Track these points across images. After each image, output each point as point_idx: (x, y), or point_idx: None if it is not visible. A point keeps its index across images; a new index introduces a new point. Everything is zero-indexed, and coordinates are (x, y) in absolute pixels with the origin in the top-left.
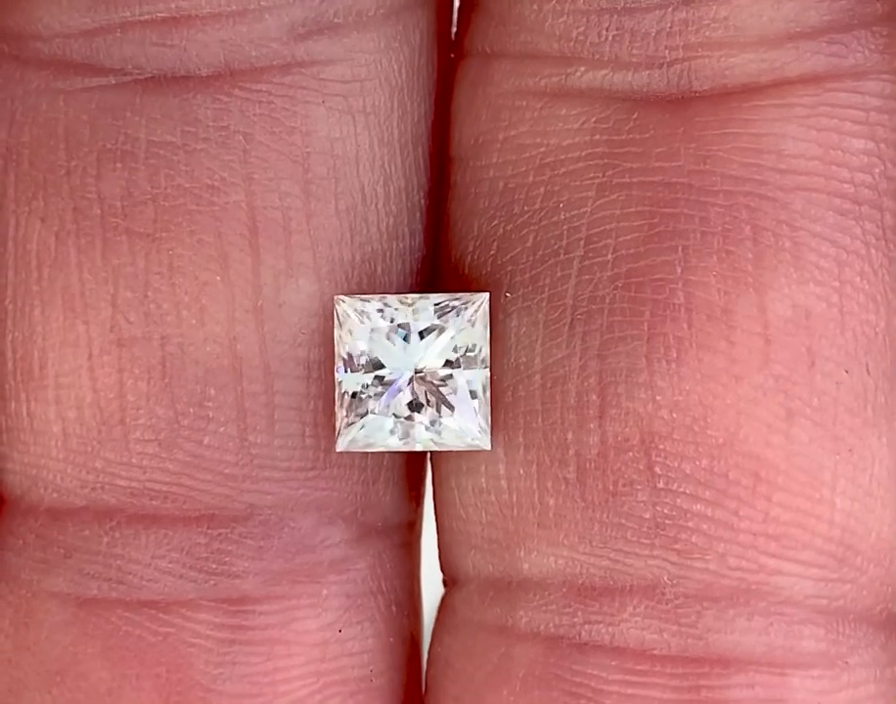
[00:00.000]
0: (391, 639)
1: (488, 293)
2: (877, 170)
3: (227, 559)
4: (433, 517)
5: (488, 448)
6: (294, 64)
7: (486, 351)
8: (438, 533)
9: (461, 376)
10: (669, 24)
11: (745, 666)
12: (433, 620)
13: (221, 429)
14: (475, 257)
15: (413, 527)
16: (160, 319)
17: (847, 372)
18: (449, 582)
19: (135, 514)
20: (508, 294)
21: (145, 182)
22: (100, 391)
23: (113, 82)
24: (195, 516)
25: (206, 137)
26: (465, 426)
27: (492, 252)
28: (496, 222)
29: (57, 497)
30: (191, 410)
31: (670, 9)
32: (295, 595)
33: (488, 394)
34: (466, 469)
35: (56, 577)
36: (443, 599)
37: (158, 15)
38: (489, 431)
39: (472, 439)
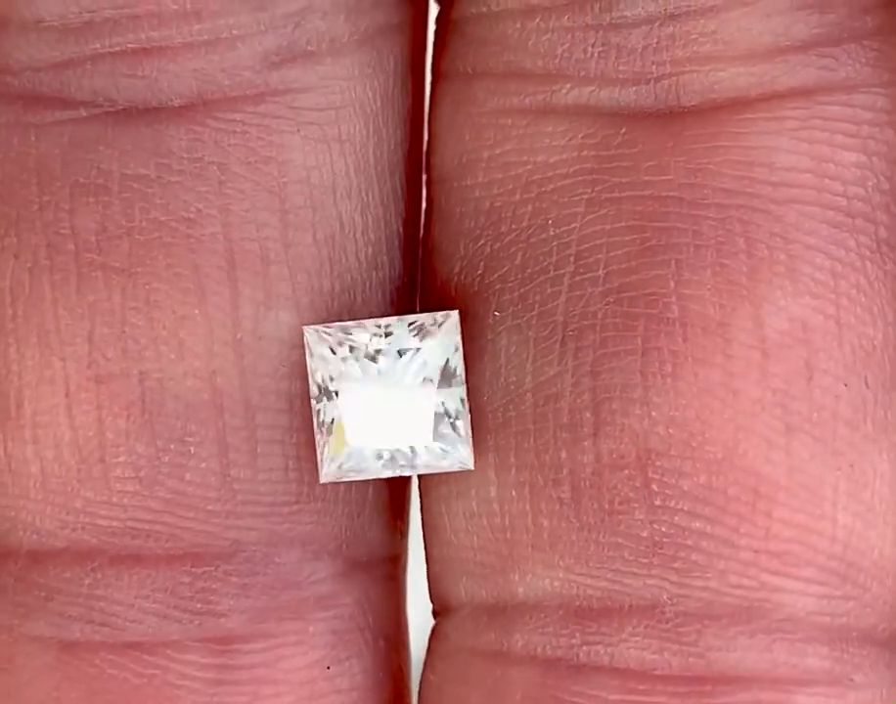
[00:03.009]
0: (380, 674)
1: (457, 311)
2: (870, 183)
3: (212, 598)
4: (418, 549)
5: (471, 467)
6: (268, 92)
7: (461, 368)
8: (428, 562)
9: (439, 396)
10: (656, 40)
11: (749, 684)
12: (419, 652)
13: (203, 465)
14: (462, 278)
15: (398, 560)
16: (138, 354)
17: (846, 385)
18: (440, 611)
19: (117, 555)
20: (496, 313)
21: (119, 216)
22: (78, 429)
23: (84, 115)
24: (178, 555)
25: (181, 169)
26: (446, 447)
27: (479, 272)
28: (482, 242)
29: (36, 539)
30: (171, 446)
31: (657, 24)
32: (282, 633)
33: (467, 412)
34: (455, 494)
35: (37, 621)
36: (434, 629)
37: (129, 46)
38: (471, 449)
39: (455, 459)
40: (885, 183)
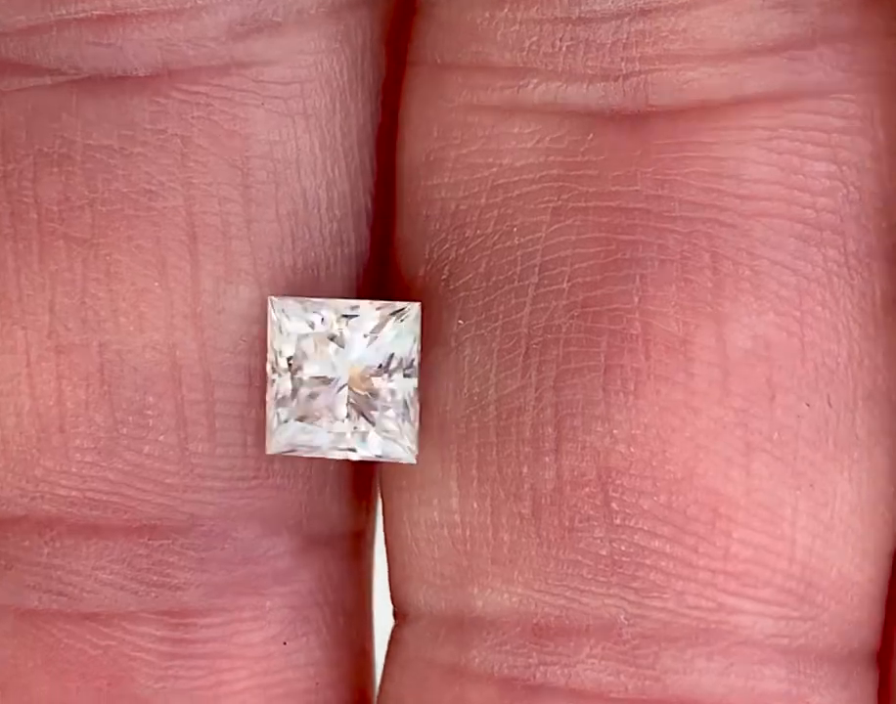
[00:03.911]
0: (339, 651)
1: (419, 303)
2: (840, 194)
3: (168, 571)
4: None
5: (413, 462)
6: (233, 64)
7: (417, 361)
8: (389, 566)
9: (390, 386)
10: (626, 36)
11: None
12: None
13: (161, 438)
14: (427, 281)
15: (362, 536)
16: (98, 326)
17: (808, 404)
18: (400, 616)
19: (75, 524)
20: (461, 322)
21: (82, 186)
22: (39, 398)
23: (49, 83)
24: (135, 527)
25: (144, 140)
26: (391, 437)
27: (444, 277)
28: (448, 245)
29: None
30: (130, 418)
31: (626, 19)
32: (238, 608)
33: (417, 406)
34: (418, 502)
35: None
36: (393, 632)
37: (94, 13)
38: (416, 445)
39: (398, 451)
40: (855, 193)
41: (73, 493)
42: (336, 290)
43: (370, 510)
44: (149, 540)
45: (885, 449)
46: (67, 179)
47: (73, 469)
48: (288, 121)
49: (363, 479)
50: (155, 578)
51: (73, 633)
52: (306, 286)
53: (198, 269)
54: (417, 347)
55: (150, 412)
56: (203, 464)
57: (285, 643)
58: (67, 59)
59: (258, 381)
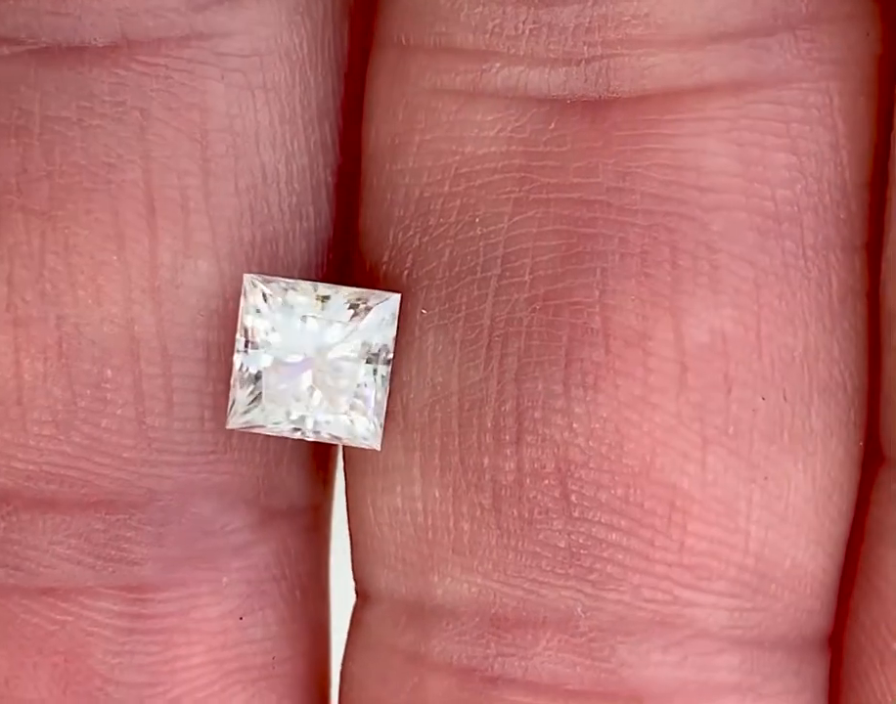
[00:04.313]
0: (295, 625)
1: (399, 295)
2: (798, 186)
3: (126, 546)
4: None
5: (378, 448)
6: (193, 36)
7: (391, 351)
8: (352, 546)
9: (360, 371)
10: (588, 19)
11: (660, 700)
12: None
13: (119, 412)
14: (391, 268)
15: (320, 509)
16: (56, 299)
17: (764, 398)
18: (361, 595)
19: (32, 499)
20: (423, 311)
21: (40, 158)
22: None
23: (7, 52)
24: (93, 502)
25: (103, 113)
26: (356, 422)
27: (408, 265)
28: (411, 233)
29: None
30: (88, 391)
31: (589, 3)
32: (195, 583)
33: (385, 393)
34: (381, 488)
35: None
36: (355, 612)
37: None
38: (381, 431)
39: (362, 436)
40: (814, 184)
41: (31, 466)
42: (295, 264)
43: (328, 483)
44: (106, 514)
45: (840, 439)
46: (24, 151)
47: (31, 442)
48: (247, 94)
49: (321, 453)
50: (112, 553)
51: (30, 608)
52: (265, 260)
53: (156, 243)
54: (392, 337)
55: (107, 385)
56: (161, 439)
57: (241, 618)
58: (25, 27)
59: (216, 356)
